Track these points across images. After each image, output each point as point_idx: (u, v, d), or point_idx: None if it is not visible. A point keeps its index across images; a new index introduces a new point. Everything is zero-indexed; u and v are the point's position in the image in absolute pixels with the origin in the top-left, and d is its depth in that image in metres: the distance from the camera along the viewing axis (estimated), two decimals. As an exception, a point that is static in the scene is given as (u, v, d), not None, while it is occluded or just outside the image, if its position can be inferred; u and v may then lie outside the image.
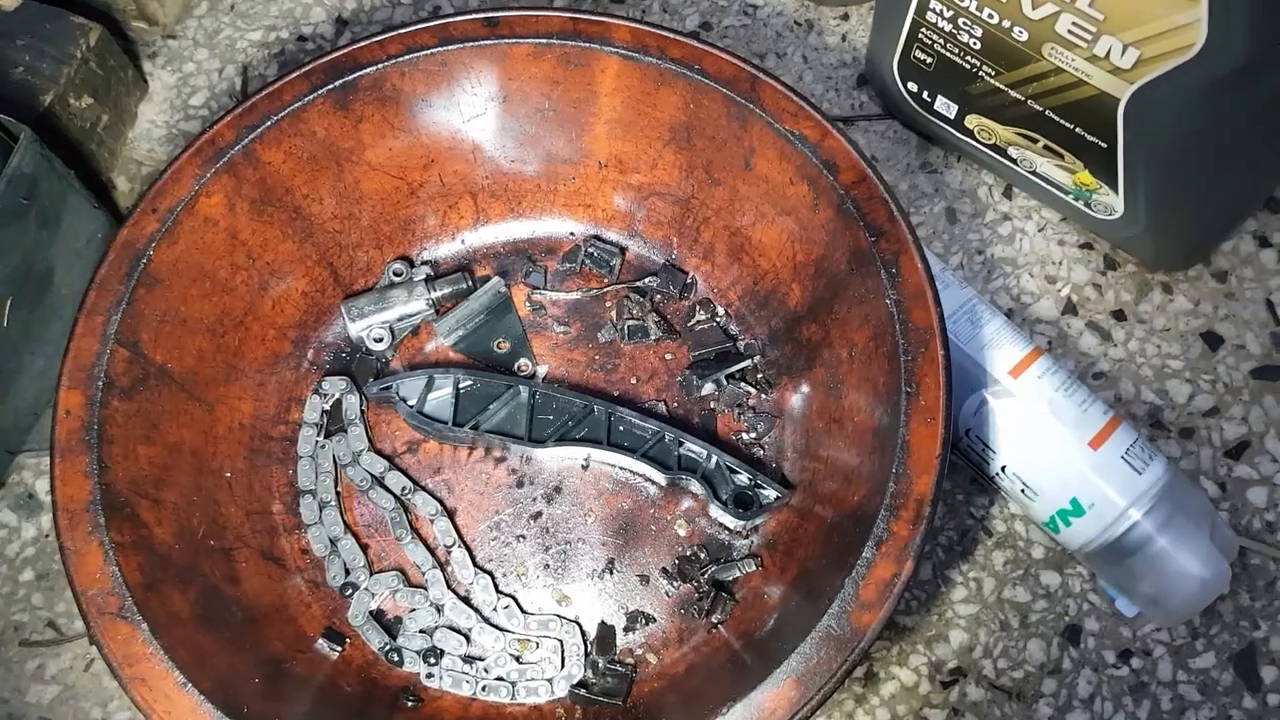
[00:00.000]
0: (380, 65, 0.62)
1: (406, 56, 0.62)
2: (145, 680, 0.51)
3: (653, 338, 0.67)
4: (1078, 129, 0.64)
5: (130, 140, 0.79)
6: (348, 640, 0.60)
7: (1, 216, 0.62)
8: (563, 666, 0.60)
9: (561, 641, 0.60)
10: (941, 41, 0.66)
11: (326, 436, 0.65)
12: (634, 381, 0.67)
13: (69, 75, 0.72)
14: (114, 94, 0.77)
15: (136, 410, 0.57)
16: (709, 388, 0.66)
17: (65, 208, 0.67)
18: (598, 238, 0.70)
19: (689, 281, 0.68)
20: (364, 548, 0.63)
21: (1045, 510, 0.62)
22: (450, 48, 0.62)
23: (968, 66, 0.66)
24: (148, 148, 0.79)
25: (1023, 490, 0.62)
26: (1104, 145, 0.63)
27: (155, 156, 0.79)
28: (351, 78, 0.62)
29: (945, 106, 0.70)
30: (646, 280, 0.69)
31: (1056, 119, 0.64)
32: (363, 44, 0.62)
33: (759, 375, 0.66)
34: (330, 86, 0.62)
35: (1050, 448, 0.61)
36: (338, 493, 0.64)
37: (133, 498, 0.55)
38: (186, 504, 0.59)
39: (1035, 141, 0.67)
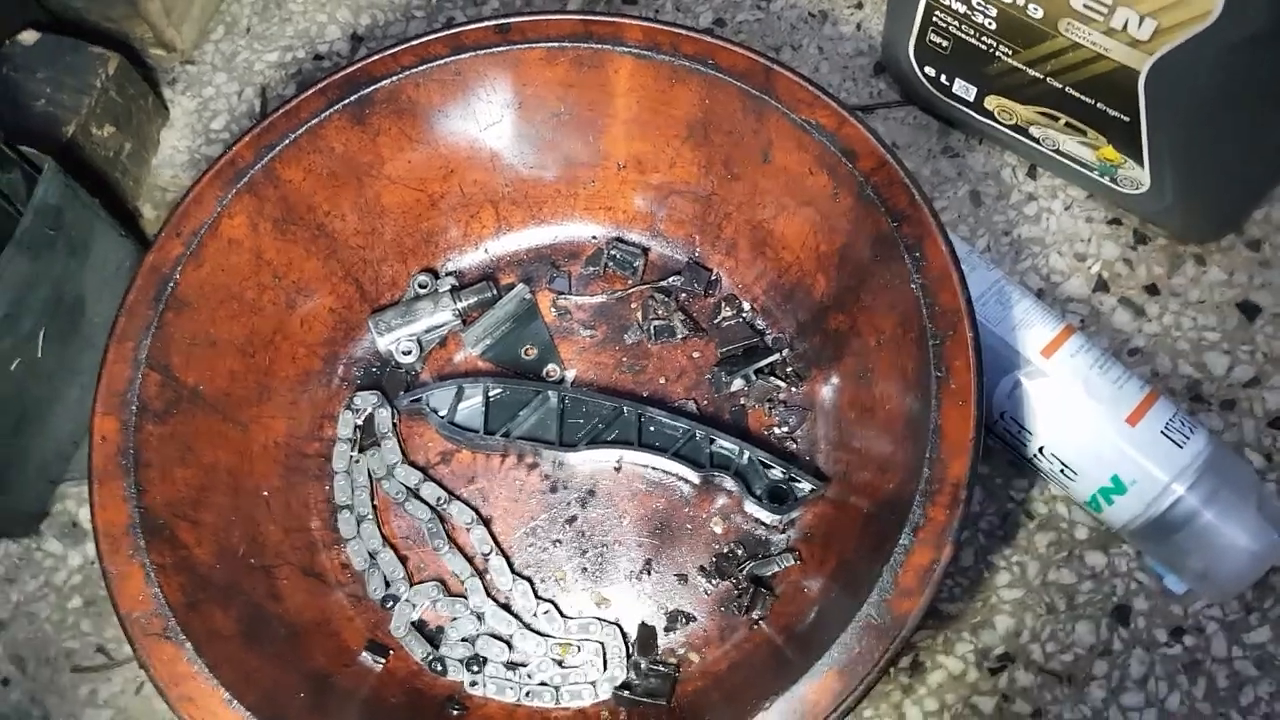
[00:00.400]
0: (395, 78, 0.62)
1: (420, 67, 0.62)
2: (192, 699, 0.51)
3: (679, 337, 0.67)
4: (1099, 104, 0.63)
5: (154, 167, 0.80)
6: (391, 652, 0.60)
7: (30, 248, 0.63)
8: (605, 669, 0.59)
9: (603, 644, 0.60)
10: (957, 23, 0.66)
11: (360, 451, 0.65)
12: (663, 381, 0.66)
13: (90, 105, 0.73)
14: (135, 122, 0.78)
15: (171, 433, 0.58)
16: (738, 384, 0.65)
17: (93, 237, 0.68)
18: (620, 240, 0.69)
19: (713, 278, 0.68)
20: (403, 560, 0.63)
21: (1086, 490, 0.61)
22: (463, 56, 0.63)
23: (984, 47, 0.66)
24: (172, 174, 0.80)
25: (1062, 470, 0.62)
26: (1126, 119, 0.62)
27: (179, 182, 0.79)
28: (367, 91, 0.62)
29: (964, 89, 0.70)
30: (670, 280, 0.68)
31: (1077, 95, 0.63)
32: (376, 57, 0.63)
33: (788, 368, 0.65)
34: (346, 101, 0.62)
35: (1087, 426, 0.60)
36: (374, 506, 0.64)
37: (171, 520, 0.56)
38: (225, 524, 0.59)
39: (1057, 119, 0.66)
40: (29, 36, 0.75)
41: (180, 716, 0.51)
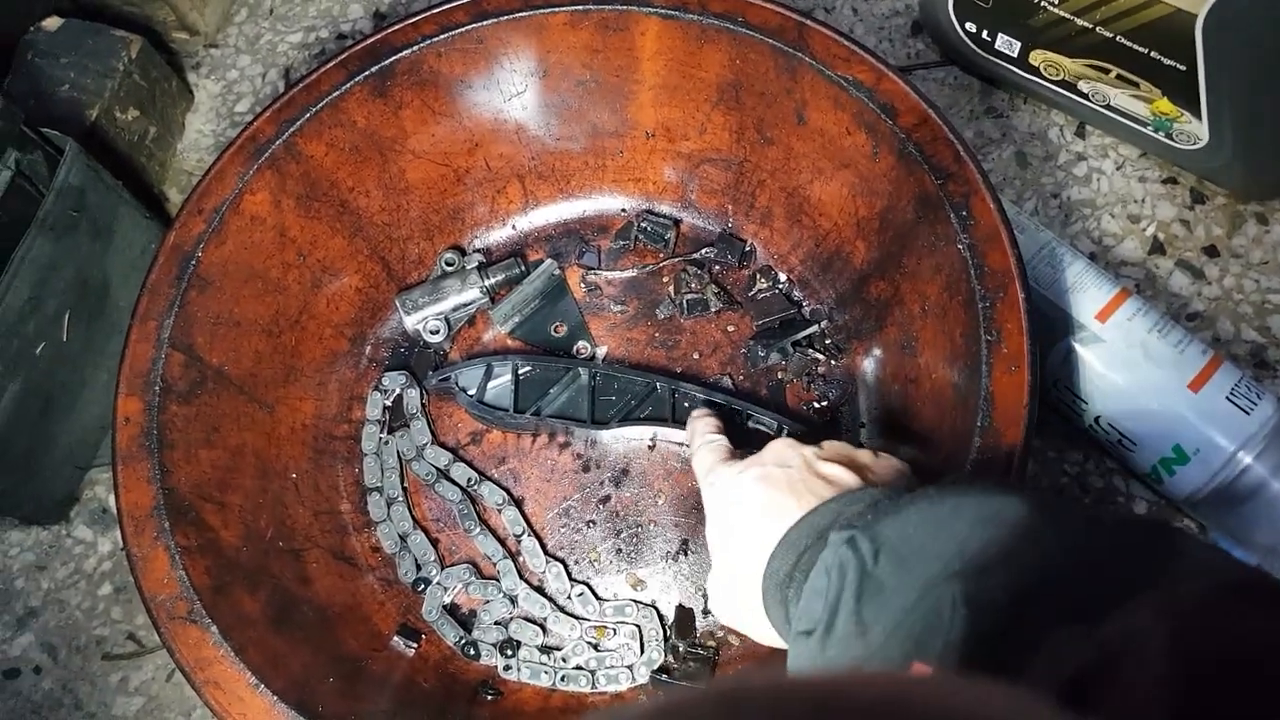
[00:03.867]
0: (416, 47, 0.61)
1: (442, 36, 0.61)
2: (219, 683, 0.50)
3: (713, 310, 0.65)
4: (1153, 53, 0.60)
5: (179, 151, 0.79)
6: (423, 636, 0.59)
7: (53, 229, 0.62)
8: (642, 652, 0.57)
9: (639, 627, 0.58)
10: (998, -26, 0.63)
11: (390, 432, 0.64)
12: (696, 356, 0.64)
13: (113, 88, 0.72)
14: (160, 105, 0.77)
15: (195, 414, 0.57)
16: (775, 357, 0.63)
17: (117, 219, 0.67)
18: (650, 212, 0.67)
19: (747, 249, 0.66)
20: (434, 542, 0.61)
21: (1146, 460, 0.58)
22: (485, 23, 0.61)
23: (1029, -2, 0.63)
24: (197, 158, 0.79)
25: (1120, 441, 0.59)
26: (1182, 68, 0.59)
27: (205, 166, 0.78)
28: (388, 62, 0.61)
29: (1007, 45, 0.67)
30: (703, 251, 0.66)
31: (1129, 44, 0.60)
32: (397, 27, 0.61)
33: (827, 341, 0.63)
34: (368, 73, 0.60)
35: (1147, 393, 0.57)
36: (404, 488, 0.63)
37: (197, 502, 0.55)
38: (253, 506, 0.58)
39: (1107, 72, 0.63)
40: (52, 22, 0.74)
41: (207, 701, 0.50)
